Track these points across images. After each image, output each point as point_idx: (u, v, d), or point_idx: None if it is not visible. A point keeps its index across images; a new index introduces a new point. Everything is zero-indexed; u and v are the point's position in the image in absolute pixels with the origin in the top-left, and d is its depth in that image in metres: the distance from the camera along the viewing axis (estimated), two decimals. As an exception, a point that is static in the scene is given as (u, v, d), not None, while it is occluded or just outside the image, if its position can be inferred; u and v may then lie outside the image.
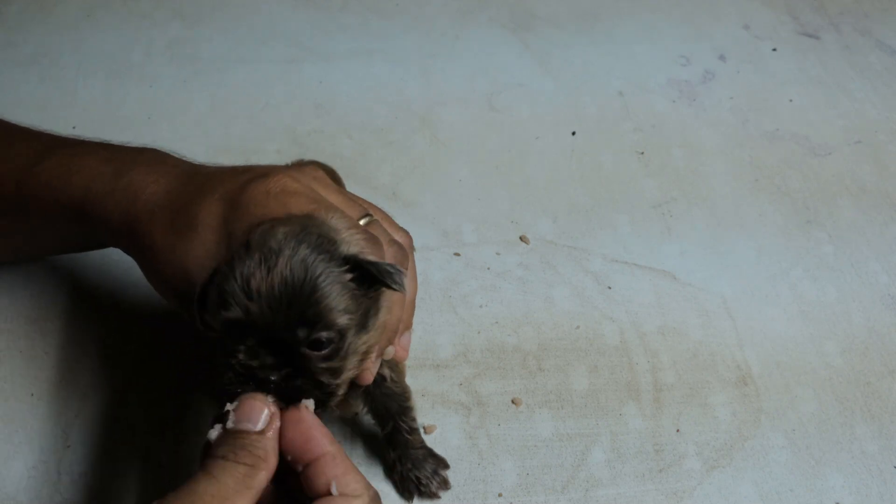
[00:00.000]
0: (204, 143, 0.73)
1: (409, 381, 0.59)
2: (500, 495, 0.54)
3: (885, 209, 0.73)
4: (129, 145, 0.52)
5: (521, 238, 0.69)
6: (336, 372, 0.41)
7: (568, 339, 0.62)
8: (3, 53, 0.79)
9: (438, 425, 0.57)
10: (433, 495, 0.52)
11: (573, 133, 0.78)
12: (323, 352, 0.40)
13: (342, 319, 0.40)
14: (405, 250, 0.47)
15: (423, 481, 0.52)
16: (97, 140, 0.53)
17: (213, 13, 0.87)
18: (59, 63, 0.80)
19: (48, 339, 0.59)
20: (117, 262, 0.64)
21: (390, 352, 0.46)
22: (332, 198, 0.46)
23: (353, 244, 0.41)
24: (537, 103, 0.80)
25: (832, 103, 0.83)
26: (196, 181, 0.46)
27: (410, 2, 0.90)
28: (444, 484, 0.53)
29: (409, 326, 0.49)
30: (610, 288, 0.66)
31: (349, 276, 0.40)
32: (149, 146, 0.52)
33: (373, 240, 0.43)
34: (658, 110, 0.81)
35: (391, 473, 0.53)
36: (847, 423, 0.59)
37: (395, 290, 0.40)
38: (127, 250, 0.49)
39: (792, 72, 0.86)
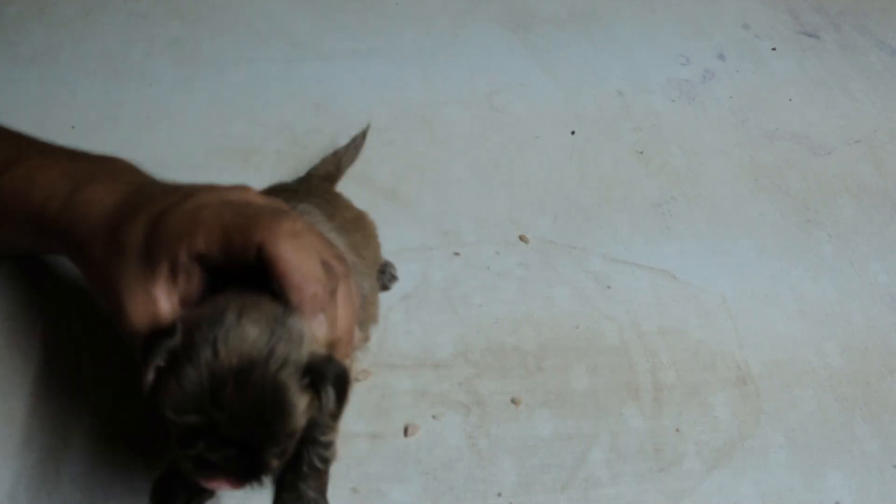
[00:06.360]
0: (203, 143, 0.73)
1: (408, 380, 0.59)
2: (499, 495, 0.54)
3: (885, 209, 0.73)
4: (95, 154, 0.54)
5: (520, 238, 0.69)
6: (286, 452, 0.42)
7: (568, 338, 0.62)
8: (2, 53, 0.79)
9: (438, 425, 0.57)
10: None
11: (573, 133, 0.78)
12: (281, 448, 0.41)
13: (302, 421, 0.41)
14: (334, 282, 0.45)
15: None
16: (72, 148, 0.55)
17: (213, 13, 0.87)
18: (58, 62, 0.79)
19: (48, 339, 0.59)
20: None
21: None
22: (261, 200, 0.47)
23: (313, 341, 0.42)
24: (537, 103, 0.80)
25: (832, 103, 0.83)
26: (136, 200, 0.47)
27: (410, 1, 0.90)
28: None
29: (347, 357, 0.47)
30: (610, 287, 0.66)
31: (308, 380, 0.41)
32: (117, 156, 0.53)
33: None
34: (658, 110, 0.81)
35: None
36: (847, 423, 0.59)
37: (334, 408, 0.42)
38: (76, 264, 0.51)
39: (792, 71, 0.86)
